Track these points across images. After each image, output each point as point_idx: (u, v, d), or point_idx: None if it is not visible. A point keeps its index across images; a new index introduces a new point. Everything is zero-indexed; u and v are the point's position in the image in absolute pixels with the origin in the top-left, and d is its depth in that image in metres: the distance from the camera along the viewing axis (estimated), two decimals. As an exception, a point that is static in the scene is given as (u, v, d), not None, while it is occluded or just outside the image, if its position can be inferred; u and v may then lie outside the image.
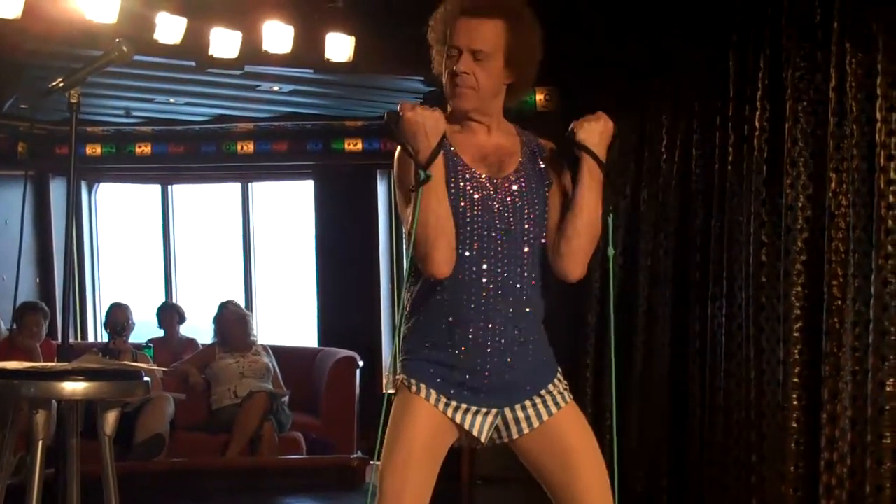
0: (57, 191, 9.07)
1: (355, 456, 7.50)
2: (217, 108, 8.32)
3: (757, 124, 5.40)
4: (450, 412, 2.99)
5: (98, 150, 8.93)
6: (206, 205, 9.98)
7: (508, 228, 3.01)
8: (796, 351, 5.15)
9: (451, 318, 2.99)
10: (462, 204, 2.99)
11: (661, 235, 6.36)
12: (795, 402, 5.15)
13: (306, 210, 9.35)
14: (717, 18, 5.79)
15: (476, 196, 3.01)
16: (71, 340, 8.69)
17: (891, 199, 4.64)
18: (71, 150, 3.32)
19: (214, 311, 8.24)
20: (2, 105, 7.71)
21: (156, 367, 6.88)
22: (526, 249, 3.02)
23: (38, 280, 8.99)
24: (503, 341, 2.99)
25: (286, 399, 7.75)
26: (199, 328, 8.65)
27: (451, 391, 2.98)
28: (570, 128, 3.06)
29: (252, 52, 6.31)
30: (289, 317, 9.96)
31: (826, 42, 5.01)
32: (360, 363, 8.06)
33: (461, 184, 3.01)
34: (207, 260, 9.96)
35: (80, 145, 8.70)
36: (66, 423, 3.15)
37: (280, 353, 8.24)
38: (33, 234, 8.97)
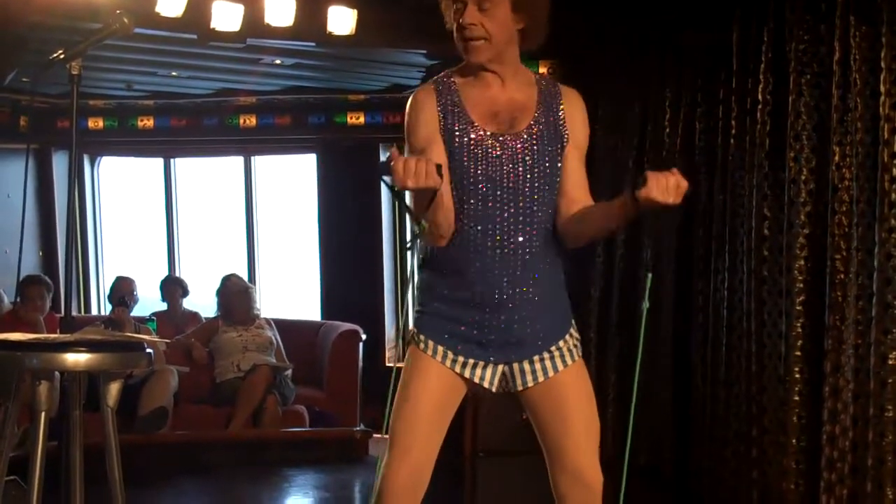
0: (59, 164, 9.07)
1: (358, 429, 7.52)
2: (219, 81, 8.31)
3: (760, 97, 5.38)
4: (458, 368, 3.03)
5: (100, 123, 8.93)
6: (209, 178, 9.98)
7: (516, 187, 2.98)
8: (798, 325, 5.14)
9: (458, 275, 3.01)
10: (466, 162, 2.98)
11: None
12: (797, 376, 5.15)
13: (309, 184, 9.34)
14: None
15: (482, 154, 2.99)
16: (74, 313, 8.69)
17: (894, 172, 4.62)
18: (72, 122, 3.31)
19: (217, 285, 8.25)
20: (3, 78, 7.70)
21: (158, 339, 6.90)
22: (535, 208, 3.00)
23: (40, 253, 9.00)
24: (510, 298, 3.00)
25: (289, 372, 7.77)
26: (202, 302, 8.66)
27: (459, 346, 3.02)
28: (643, 175, 2.87)
29: (254, 25, 6.29)
30: (292, 290, 9.97)
31: (830, 14, 4.99)
32: (364, 336, 8.07)
33: (466, 140, 2.99)
34: (210, 233, 9.96)
35: (83, 119, 8.70)
36: (69, 394, 3.16)
37: (283, 326, 8.25)
38: (36, 207, 8.97)
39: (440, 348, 3.02)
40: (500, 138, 3.00)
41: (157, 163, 9.68)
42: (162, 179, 9.67)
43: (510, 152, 2.99)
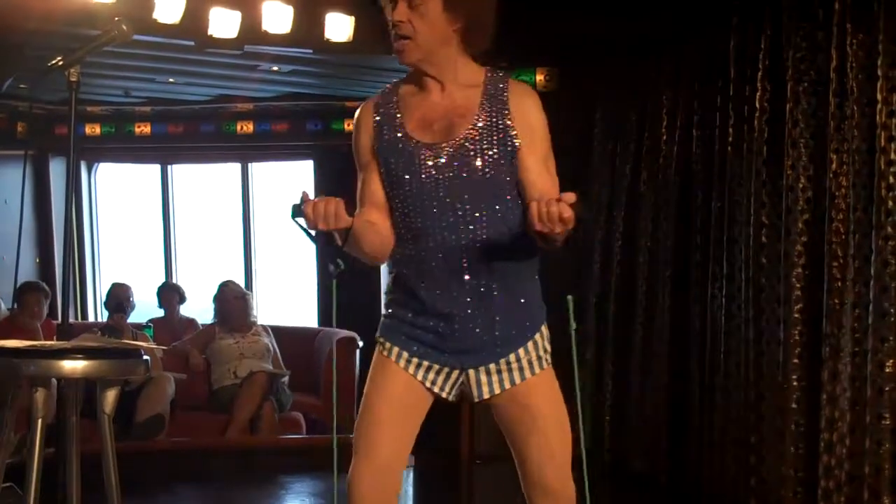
0: (56, 170, 9.06)
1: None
2: (216, 88, 8.30)
3: (757, 105, 5.39)
4: (411, 369, 2.99)
5: (97, 129, 8.92)
6: (206, 185, 9.98)
7: (454, 196, 2.89)
8: (796, 332, 5.15)
9: (413, 284, 2.98)
10: (406, 177, 2.92)
11: (660, 216, 6.36)
12: (795, 384, 5.15)
13: (306, 190, 9.31)
14: (718, -2, 5.78)
15: (418, 165, 2.90)
16: (71, 320, 8.70)
17: (891, 180, 4.64)
18: (70, 129, 3.31)
19: (214, 292, 8.24)
20: (1, 85, 7.70)
21: (156, 346, 6.89)
22: (477, 215, 2.90)
23: (37, 260, 8.99)
24: (461, 306, 2.94)
25: (286, 379, 7.76)
26: (199, 308, 8.65)
27: (415, 348, 2.99)
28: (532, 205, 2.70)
29: (251, 31, 6.29)
30: (289, 297, 9.96)
31: (827, 22, 5.00)
32: (361, 343, 8.06)
33: (402, 152, 2.92)
34: (207, 240, 9.95)
35: (80, 125, 8.69)
36: (66, 401, 3.15)
37: (280, 333, 8.24)
38: (33, 213, 8.96)
39: (401, 352, 3.00)
40: (435, 148, 2.90)
41: (155, 169, 9.67)
42: (159, 186, 9.67)
43: (446, 160, 2.89)
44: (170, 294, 8.66)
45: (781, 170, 5.24)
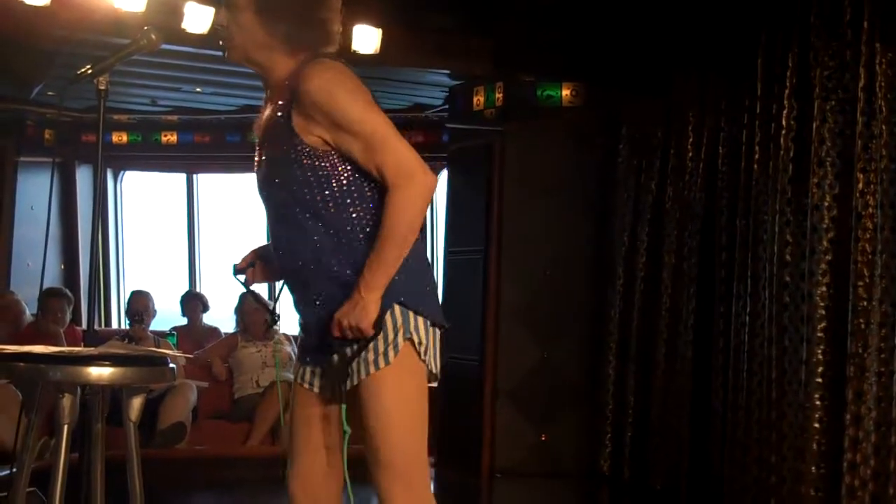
0: (83, 178, 9.11)
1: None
2: (243, 98, 8.33)
3: (784, 123, 5.38)
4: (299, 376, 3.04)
5: (124, 137, 8.98)
6: (231, 194, 10.01)
7: (269, 192, 2.90)
8: (819, 351, 5.13)
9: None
10: (257, 180, 2.98)
11: (685, 233, 6.34)
12: (818, 403, 5.13)
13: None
14: (746, 16, 5.77)
15: (257, 168, 2.95)
16: (95, 327, 8.74)
17: (919, 200, 4.62)
18: (98, 137, 3.32)
19: (236, 303, 8.27)
20: (30, 92, 7.75)
21: (179, 354, 6.92)
22: (295, 210, 2.83)
23: (62, 266, 9.03)
24: (301, 302, 2.94)
25: (308, 389, 7.77)
26: (222, 317, 8.68)
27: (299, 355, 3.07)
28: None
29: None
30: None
31: (856, 41, 4.99)
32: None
33: (257, 156, 2.97)
34: (231, 249, 9.98)
35: (107, 133, 8.74)
36: (92, 408, 3.16)
37: (302, 343, 8.25)
38: (59, 220, 9.00)
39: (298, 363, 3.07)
40: (261, 148, 2.94)
41: (180, 178, 9.71)
42: (184, 194, 9.71)
43: (264, 160, 2.92)
44: (193, 302, 8.70)
45: (807, 188, 5.23)
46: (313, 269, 2.85)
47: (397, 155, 2.76)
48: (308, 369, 3.00)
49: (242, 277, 3.11)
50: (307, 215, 2.83)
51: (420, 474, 2.92)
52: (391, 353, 2.81)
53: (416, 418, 2.90)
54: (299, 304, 2.96)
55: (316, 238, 2.84)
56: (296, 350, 8.05)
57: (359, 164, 2.80)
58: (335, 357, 2.83)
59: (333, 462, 3.03)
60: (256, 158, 2.96)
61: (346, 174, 2.83)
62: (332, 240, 2.83)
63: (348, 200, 2.83)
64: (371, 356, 2.81)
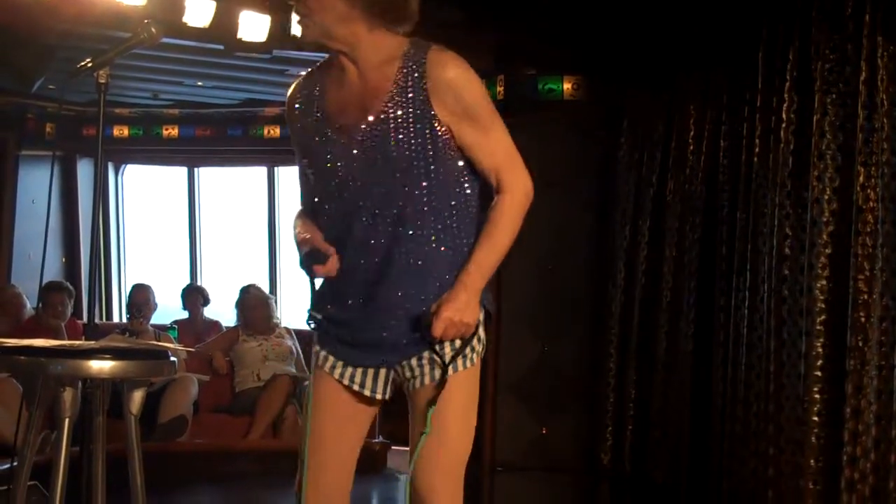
0: (84, 171, 9.12)
1: (377, 440, 7.52)
2: (245, 91, 8.35)
3: (784, 116, 5.37)
4: (338, 375, 2.91)
5: (125, 131, 8.98)
6: (233, 188, 10.02)
7: (365, 182, 2.75)
8: (818, 344, 5.12)
9: (331, 282, 2.87)
10: (328, 165, 2.80)
11: (687, 226, 6.34)
12: (816, 396, 5.12)
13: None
14: (748, 9, 5.76)
15: (335, 153, 2.78)
16: (96, 320, 8.75)
17: (921, 194, 4.62)
18: (98, 131, 3.32)
19: (237, 297, 8.28)
20: (31, 86, 7.75)
21: (180, 347, 6.93)
22: (400, 203, 2.74)
23: (63, 260, 9.04)
24: (376, 297, 2.80)
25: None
26: (223, 311, 8.69)
27: (338, 349, 2.90)
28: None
29: (281, 36, 6.31)
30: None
31: (857, 34, 4.98)
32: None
33: (326, 141, 2.81)
34: (233, 243, 9.99)
35: (108, 127, 8.75)
36: (93, 401, 3.17)
37: (304, 335, 8.26)
38: (60, 214, 9.02)
39: (330, 357, 2.91)
40: (351, 131, 2.76)
41: (182, 172, 9.72)
42: (186, 188, 9.72)
43: (358, 145, 2.75)
44: (194, 296, 8.71)
45: (807, 181, 5.22)
46: (412, 268, 2.76)
47: (517, 163, 2.84)
48: (358, 369, 2.88)
49: (324, 269, 2.80)
50: (416, 198, 2.75)
51: (462, 475, 2.96)
52: (476, 357, 2.84)
53: (474, 420, 2.92)
54: (357, 302, 2.81)
55: (422, 234, 2.76)
56: (297, 345, 8.08)
57: (467, 155, 2.79)
58: (432, 356, 2.78)
59: (349, 462, 3.01)
60: (330, 146, 2.79)
61: (463, 164, 2.82)
62: (439, 236, 2.77)
63: (461, 201, 2.81)
64: (458, 357, 2.80)
